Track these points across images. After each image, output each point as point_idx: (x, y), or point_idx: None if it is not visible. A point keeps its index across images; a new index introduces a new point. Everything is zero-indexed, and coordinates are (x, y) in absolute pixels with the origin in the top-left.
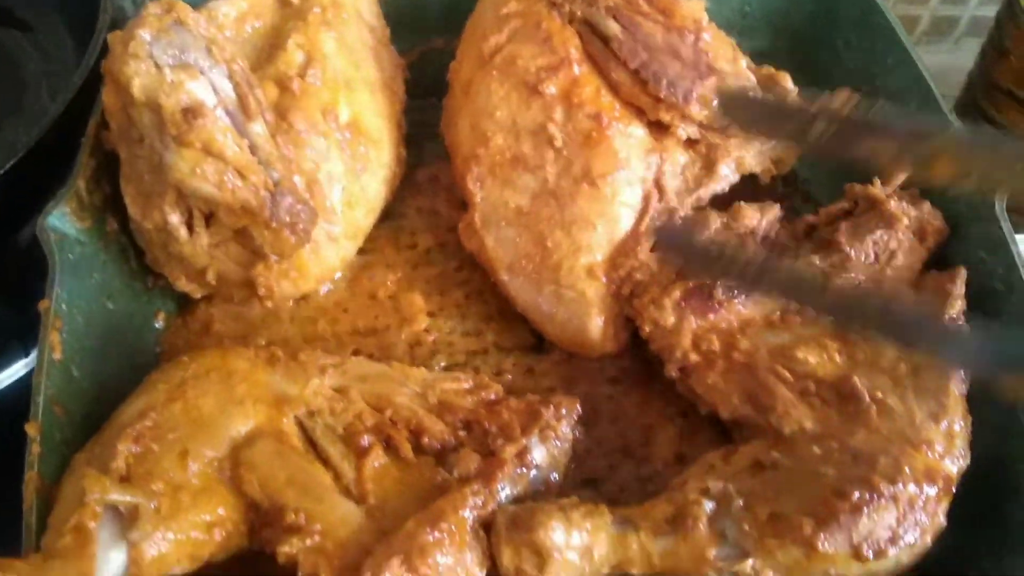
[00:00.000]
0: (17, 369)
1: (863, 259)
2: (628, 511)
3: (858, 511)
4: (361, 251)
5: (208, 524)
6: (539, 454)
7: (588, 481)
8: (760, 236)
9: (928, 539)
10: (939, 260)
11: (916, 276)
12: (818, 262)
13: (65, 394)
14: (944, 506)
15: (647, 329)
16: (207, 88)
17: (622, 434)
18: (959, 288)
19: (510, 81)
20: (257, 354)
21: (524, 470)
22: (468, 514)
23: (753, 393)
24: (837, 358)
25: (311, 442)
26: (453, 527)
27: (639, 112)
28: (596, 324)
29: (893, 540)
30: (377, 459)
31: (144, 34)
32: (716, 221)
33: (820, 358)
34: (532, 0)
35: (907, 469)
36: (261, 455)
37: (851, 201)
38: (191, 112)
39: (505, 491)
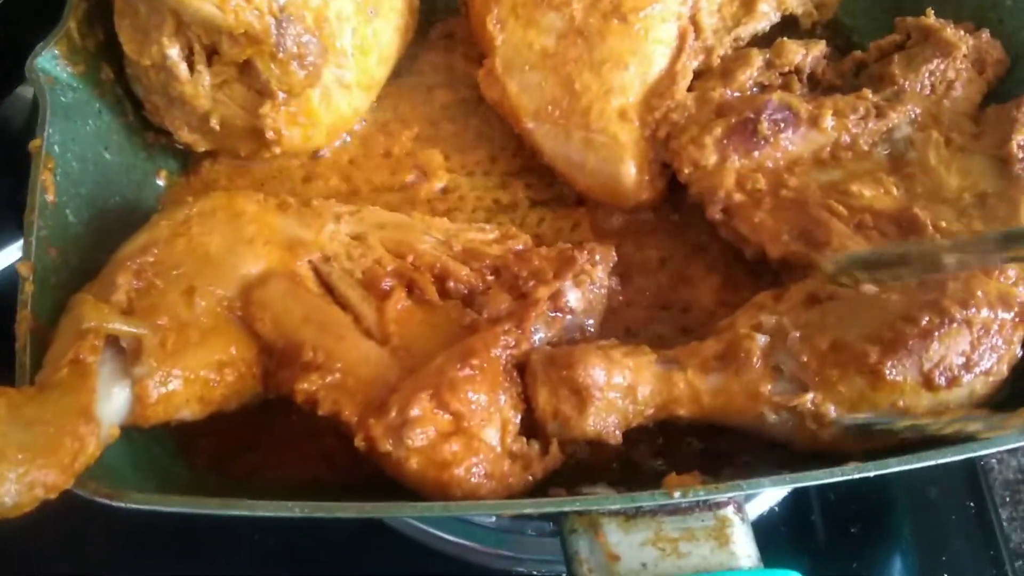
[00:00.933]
0: (12, 252)
1: (919, 90)
2: (673, 352)
3: (928, 335)
4: (373, 107)
5: (219, 363)
6: (574, 297)
7: (626, 332)
8: (806, 74)
9: (1005, 367)
10: (999, 94)
11: (976, 109)
12: (871, 96)
13: (60, 237)
14: (1021, 334)
15: (687, 171)
16: None
17: (660, 286)
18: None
19: None
20: (267, 199)
21: (559, 314)
22: (500, 352)
23: (805, 229)
24: (895, 191)
25: (327, 287)
26: (485, 364)
27: None
28: (630, 170)
29: (968, 366)
30: (400, 302)
31: None
32: (759, 59)
33: (876, 191)
34: None
35: (979, 293)
36: (274, 294)
37: (903, 33)
38: None
39: (539, 334)
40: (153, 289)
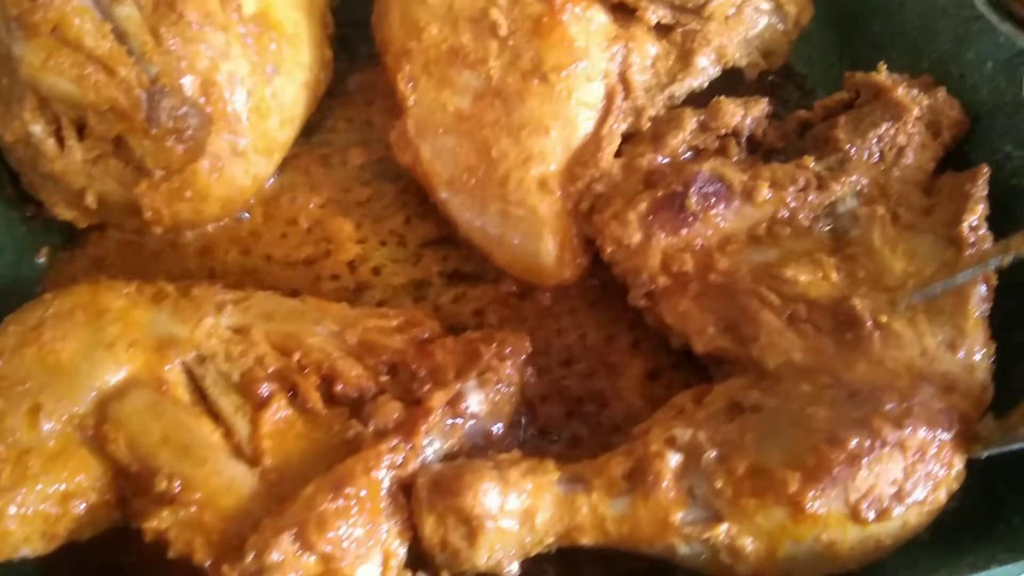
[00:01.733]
0: None
1: (866, 158)
2: (580, 467)
3: (855, 461)
4: (281, 170)
5: (64, 495)
6: (476, 401)
7: (541, 433)
8: (745, 136)
9: (942, 495)
10: (956, 157)
11: (929, 178)
12: (813, 164)
13: None
14: (962, 453)
15: (609, 249)
16: None
17: (580, 375)
18: (980, 189)
19: None
20: (140, 289)
21: (458, 420)
22: (383, 475)
23: (732, 320)
24: (834, 276)
25: (200, 393)
26: (363, 492)
27: None
28: (550, 246)
29: (899, 496)
30: (279, 411)
31: None
32: (692, 121)
33: (813, 276)
34: None
35: (917, 409)
36: (132, 409)
37: (852, 91)
38: None
39: (433, 446)
40: None
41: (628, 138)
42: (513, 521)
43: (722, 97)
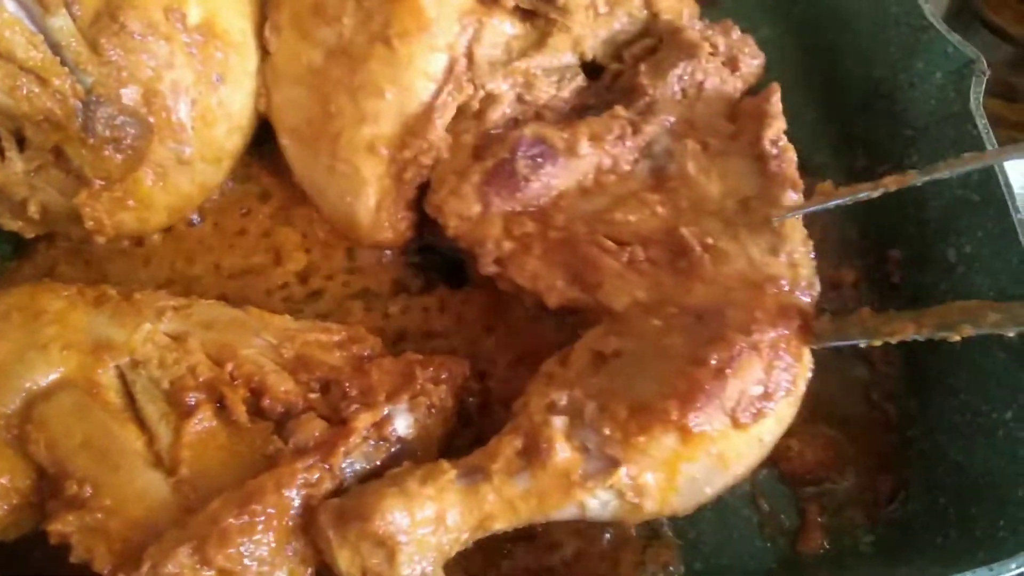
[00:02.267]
0: None
1: (670, 96)
2: (473, 458)
3: (721, 374)
4: (232, 178)
5: None
6: (404, 424)
7: (478, 441)
8: (562, 108)
9: (801, 384)
10: (906, 164)
11: (732, 108)
12: (624, 112)
13: None
14: (807, 343)
15: (452, 224)
16: None
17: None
18: (774, 106)
19: None
20: (81, 292)
21: (383, 443)
22: (295, 494)
23: (577, 271)
24: (659, 210)
25: (130, 398)
26: (271, 509)
27: None
28: (368, 206)
29: (768, 395)
30: (202, 422)
31: None
32: (507, 97)
33: (641, 214)
34: None
35: (757, 314)
36: (57, 410)
37: (655, 37)
38: None
39: (354, 467)
40: None
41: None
42: (426, 529)
43: (538, 72)
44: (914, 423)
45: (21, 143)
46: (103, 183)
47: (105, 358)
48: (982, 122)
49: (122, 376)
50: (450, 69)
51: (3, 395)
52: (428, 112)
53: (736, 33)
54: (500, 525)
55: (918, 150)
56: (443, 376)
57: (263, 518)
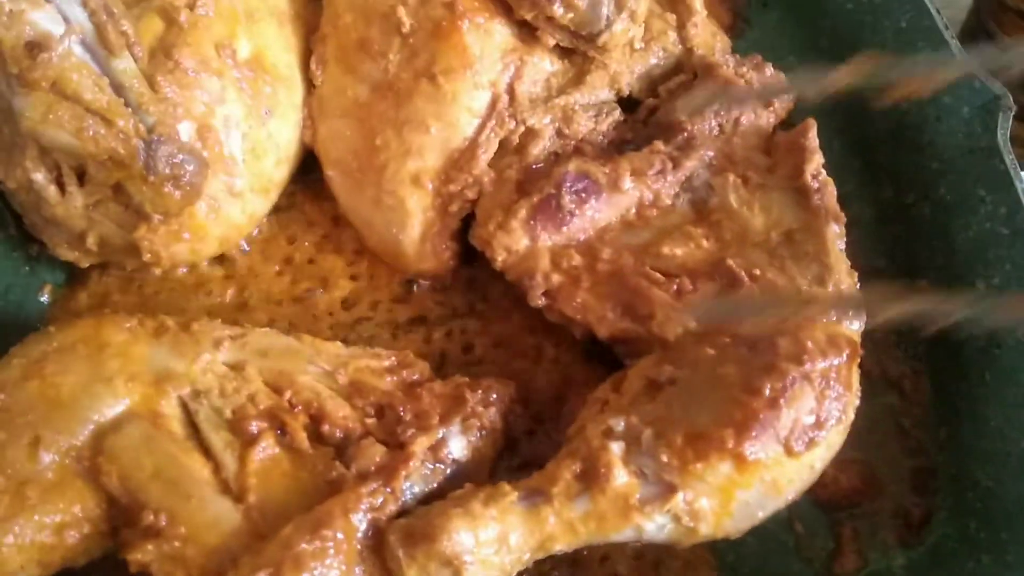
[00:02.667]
0: None
1: (708, 132)
2: (533, 481)
3: (775, 404)
4: (277, 207)
5: (59, 525)
6: (458, 447)
7: (523, 466)
8: (600, 142)
9: (851, 412)
10: (933, 196)
11: (767, 141)
12: (662, 147)
13: None
14: (856, 372)
15: (500, 259)
16: (54, 17)
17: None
18: (812, 140)
19: None
20: (142, 324)
21: (439, 465)
22: (361, 518)
23: (628, 303)
24: (704, 243)
25: (193, 428)
26: (340, 534)
27: (506, 9)
28: (413, 238)
29: (819, 424)
30: (266, 450)
31: None
32: (547, 131)
33: (687, 247)
34: None
35: (809, 344)
36: (127, 442)
37: (690, 72)
38: (36, 46)
39: (413, 490)
40: None
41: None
42: (490, 549)
43: (576, 108)
44: (944, 449)
45: (81, 178)
46: (162, 218)
47: (167, 389)
48: (1009, 157)
49: (184, 406)
50: (493, 105)
51: (73, 427)
52: (472, 147)
53: (769, 70)
54: (560, 546)
55: (945, 182)
56: (492, 398)
57: (333, 543)
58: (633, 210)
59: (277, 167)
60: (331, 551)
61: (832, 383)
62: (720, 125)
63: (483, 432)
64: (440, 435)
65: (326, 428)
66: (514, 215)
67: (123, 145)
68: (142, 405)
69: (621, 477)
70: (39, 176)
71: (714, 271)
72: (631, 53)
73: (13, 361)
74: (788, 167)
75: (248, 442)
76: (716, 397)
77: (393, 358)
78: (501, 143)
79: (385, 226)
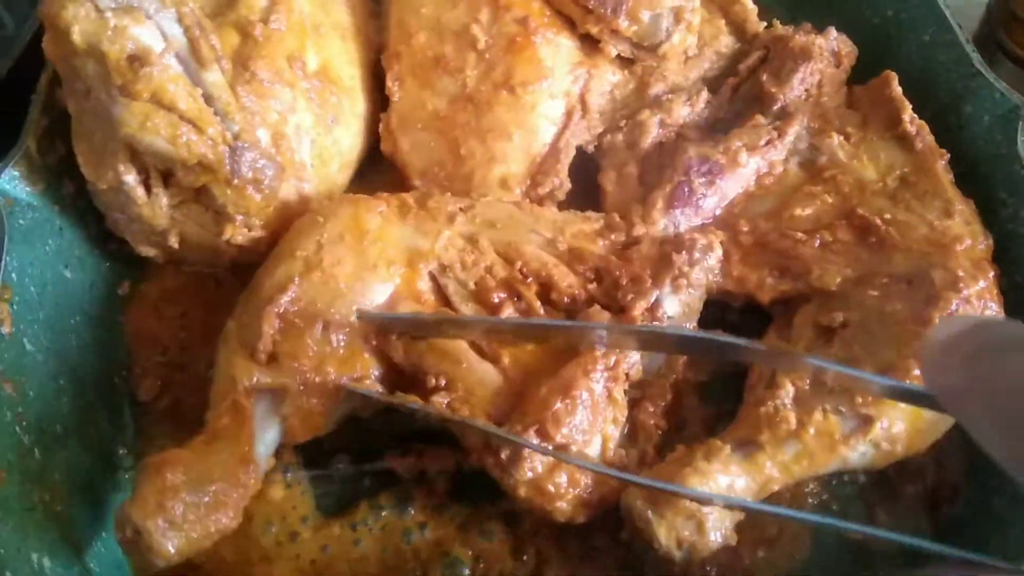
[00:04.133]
0: None
1: (797, 98)
2: (738, 431)
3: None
4: None
5: (355, 380)
6: (671, 306)
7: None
8: (697, 124)
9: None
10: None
11: (844, 98)
12: (763, 120)
13: (16, 369)
14: (997, 284)
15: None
16: (154, 33)
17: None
18: (897, 90)
19: None
20: (389, 203)
21: (657, 324)
22: (598, 376)
23: (782, 266)
24: (828, 199)
25: (446, 299)
26: (584, 393)
27: (569, 23)
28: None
29: None
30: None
31: None
32: (653, 124)
33: (814, 205)
34: None
35: (960, 272)
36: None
37: (761, 48)
38: (137, 60)
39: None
40: (293, 329)
41: (590, 151)
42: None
43: (671, 95)
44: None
45: (166, 180)
46: (244, 219)
47: (420, 267)
48: None
49: (435, 280)
50: (569, 113)
51: (352, 310)
52: (555, 153)
53: (832, 32)
54: (777, 486)
55: (966, 189)
56: (696, 255)
57: (580, 401)
58: (753, 181)
59: (340, 171)
60: (580, 407)
61: (988, 303)
62: (807, 90)
63: (690, 290)
64: (654, 297)
65: (554, 295)
66: (653, 206)
67: (212, 151)
68: (404, 287)
69: (822, 417)
70: (130, 178)
71: (849, 221)
72: (685, 61)
73: (296, 253)
74: (882, 118)
75: (493, 310)
76: (892, 332)
77: (601, 220)
78: (610, 144)
79: None
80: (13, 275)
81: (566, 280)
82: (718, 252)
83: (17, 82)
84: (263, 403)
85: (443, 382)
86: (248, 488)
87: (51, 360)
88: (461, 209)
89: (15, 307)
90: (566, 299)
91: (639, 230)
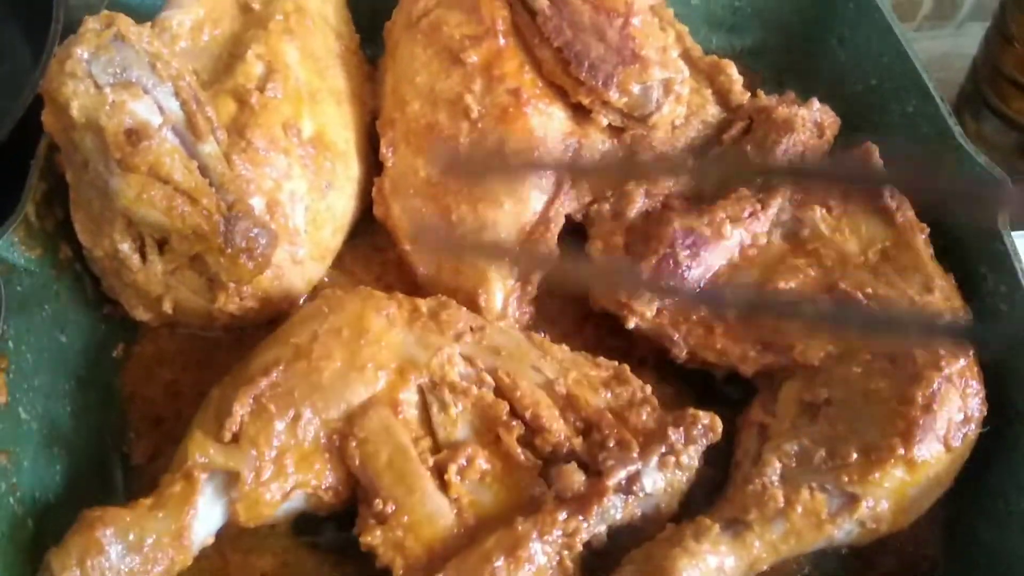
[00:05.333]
0: None
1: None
2: (725, 510)
3: (930, 409)
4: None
5: (312, 486)
6: (650, 483)
7: None
8: (682, 192)
9: (984, 403)
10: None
11: None
12: (747, 191)
13: (11, 439)
14: (977, 370)
15: (632, 323)
16: (152, 108)
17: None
18: (878, 163)
19: (433, 47)
20: (400, 307)
21: (631, 497)
22: (553, 539)
23: (764, 339)
24: (811, 272)
25: (427, 415)
26: (533, 555)
27: (561, 93)
28: (494, 305)
29: (968, 419)
30: (482, 455)
31: (81, 52)
32: (639, 194)
33: (797, 278)
34: None
35: (940, 350)
36: (370, 428)
37: (745, 118)
38: (135, 134)
39: (603, 517)
40: (264, 414)
41: (587, 222)
42: None
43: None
44: (948, 506)
45: (161, 247)
46: (236, 286)
47: (410, 378)
48: (1009, 240)
49: (422, 394)
50: (559, 183)
51: (328, 408)
52: (545, 222)
53: (815, 103)
54: (765, 566)
55: (949, 260)
56: (695, 433)
57: (526, 563)
58: (737, 252)
59: (333, 236)
60: (524, 570)
61: (969, 381)
62: (790, 161)
63: (678, 472)
64: (636, 469)
65: (538, 440)
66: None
67: (206, 221)
68: (386, 392)
69: (806, 496)
70: (125, 246)
71: (830, 296)
72: (673, 129)
73: (290, 340)
74: (863, 190)
75: (468, 443)
76: (876, 411)
77: (612, 370)
78: (597, 213)
79: (466, 294)
80: (10, 343)
81: (554, 427)
82: (718, 433)
83: (14, 147)
84: (215, 481)
85: (390, 509)
86: (175, 564)
87: (45, 428)
88: (471, 328)
89: (11, 376)
90: (549, 448)
91: (633, 307)
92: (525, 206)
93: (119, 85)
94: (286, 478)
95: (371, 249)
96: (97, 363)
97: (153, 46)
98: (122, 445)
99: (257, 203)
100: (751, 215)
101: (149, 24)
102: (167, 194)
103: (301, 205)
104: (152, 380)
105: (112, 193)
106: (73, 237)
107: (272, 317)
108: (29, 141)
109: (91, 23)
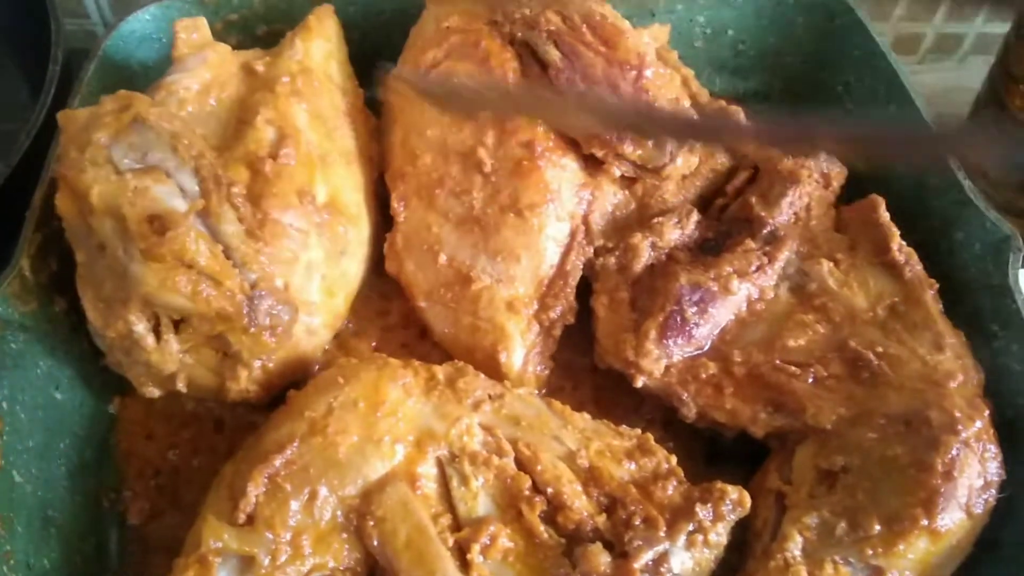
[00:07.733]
0: None
1: (786, 221)
2: None
3: (949, 476)
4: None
5: (327, 568)
6: (678, 562)
7: None
8: (687, 244)
9: (1002, 466)
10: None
11: (834, 221)
12: (753, 244)
13: (5, 504)
14: (992, 431)
15: (640, 382)
16: (175, 192)
17: None
18: (885, 216)
19: None
20: (418, 373)
21: None
22: None
23: (775, 401)
24: (820, 328)
25: (446, 489)
26: None
27: (574, 144)
28: (515, 361)
29: (988, 485)
30: (503, 532)
31: (102, 138)
32: (644, 246)
33: (806, 336)
34: (474, 16)
35: (956, 412)
36: (387, 506)
37: (750, 167)
38: (159, 221)
39: None
40: (279, 493)
41: (592, 275)
42: None
43: (661, 218)
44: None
45: (176, 324)
46: (261, 362)
47: (428, 449)
48: (1020, 297)
49: (441, 466)
50: (573, 235)
51: (346, 487)
52: (563, 275)
53: (823, 156)
54: None
55: (956, 315)
56: (723, 508)
57: None
58: (744, 307)
59: (345, 301)
60: None
61: (987, 444)
62: (795, 213)
63: (705, 550)
64: (664, 549)
65: (560, 518)
66: (646, 337)
67: (231, 302)
68: (404, 466)
69: (830, 569)
70: (140, 327)
71: (840, 354)
72: (683, 180)
73: (305, 413)
74: (870, 244)
75: (490, 520)
76: (895, 479)
77: (635, 439)
78: (603, 268)
79: (485, 352)
80: (4, 404)
81: (576, 503)
82: (747, 508)
83: (7, 195)
84: (230, 564)
85: None
86: None
87: (40, 490)
88: (490, 396)
89: (5, 438)
90: (571, 525)
91: (641, 367)
92: (542, 259)
93: (141, 171)
94: (303, 560)
95: (370, 303)
96: (93, 419)
97: (174, 125)
98: (118, 504)
99: (278, 279)
100: (758, 269)
101: (157, 87)
102: (192, 279)
103: (318, 275)
104: (150, 438)
105: (133, 279)
106: (67, 289)
107: (285, 389)
108: (26, 187)
109: (109, 105)
